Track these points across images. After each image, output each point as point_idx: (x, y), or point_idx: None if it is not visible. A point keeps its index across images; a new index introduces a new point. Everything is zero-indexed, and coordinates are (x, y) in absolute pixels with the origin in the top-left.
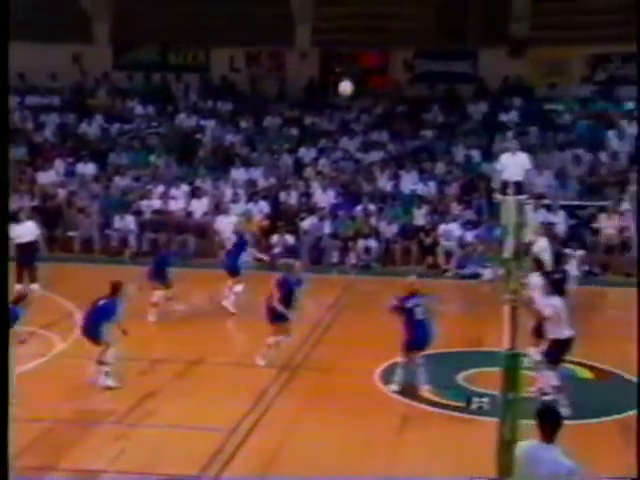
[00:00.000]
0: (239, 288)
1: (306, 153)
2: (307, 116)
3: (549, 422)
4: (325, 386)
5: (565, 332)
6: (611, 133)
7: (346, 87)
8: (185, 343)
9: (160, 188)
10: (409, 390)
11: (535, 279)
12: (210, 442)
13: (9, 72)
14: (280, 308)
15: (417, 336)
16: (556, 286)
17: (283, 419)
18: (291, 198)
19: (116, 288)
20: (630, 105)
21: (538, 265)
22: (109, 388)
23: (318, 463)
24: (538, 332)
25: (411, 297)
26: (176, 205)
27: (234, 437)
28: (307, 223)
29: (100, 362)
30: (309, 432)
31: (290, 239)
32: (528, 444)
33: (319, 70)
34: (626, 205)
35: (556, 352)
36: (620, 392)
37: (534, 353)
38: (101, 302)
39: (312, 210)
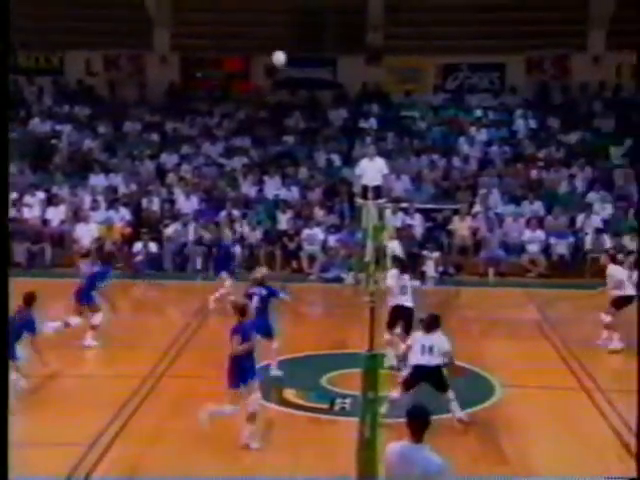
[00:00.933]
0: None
1: (168, 159)
2: (168, 121)
3: (418, 421)
4: (189, 393)
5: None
6: (462, 139)
7: (279, 57)
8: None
9: (13, 195)
10: (273, 394)
11: (393, 273)
12: (69, 457)
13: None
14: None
15: None
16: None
17: (146, 429)
18: (153, 205)
19: (30, 299)
20: (478, 112)
21: (398, 262)
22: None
23: (182, 470)
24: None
25: (255, 287)
26: (31, 213)
27: (95, 450)
28: (170, 230)
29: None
30: (173, 440)
31: (153, 247)
32: (398, 445)
33: (180, 74)
34: (477, 207)
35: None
36: (473, 387)
37: (390, 352)
38: (18, 317)
39: (175, 217)
